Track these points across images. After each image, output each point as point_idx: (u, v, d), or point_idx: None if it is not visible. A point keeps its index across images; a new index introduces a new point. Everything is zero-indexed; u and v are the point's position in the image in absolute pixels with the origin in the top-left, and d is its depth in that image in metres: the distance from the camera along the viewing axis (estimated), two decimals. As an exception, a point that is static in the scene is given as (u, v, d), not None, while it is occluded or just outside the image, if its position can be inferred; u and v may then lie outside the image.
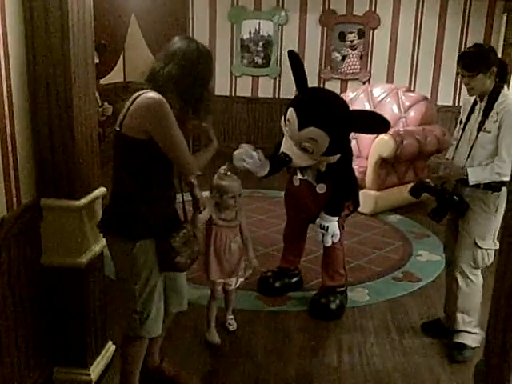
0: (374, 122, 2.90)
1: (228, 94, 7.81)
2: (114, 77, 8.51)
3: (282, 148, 3.03)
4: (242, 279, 3.03)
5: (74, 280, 2.38)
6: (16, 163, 2.14)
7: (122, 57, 8.88)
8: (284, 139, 3.06)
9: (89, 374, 2.49)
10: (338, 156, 3.00)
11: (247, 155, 2.97)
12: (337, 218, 3.14)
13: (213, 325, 2.95)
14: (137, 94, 2.02)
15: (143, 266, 2.11)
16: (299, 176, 3.21)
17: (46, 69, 2.17)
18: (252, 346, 2.91)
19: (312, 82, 7.32)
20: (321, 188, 3.14)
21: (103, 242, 2.38)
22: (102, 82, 7.81)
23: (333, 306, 3.23)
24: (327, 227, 3.11)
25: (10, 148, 2.08)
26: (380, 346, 2.93)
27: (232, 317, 3.12)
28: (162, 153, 2.02)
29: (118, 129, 2.04)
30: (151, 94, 1.99)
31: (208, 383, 2.58)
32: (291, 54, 3.06)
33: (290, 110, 2.96)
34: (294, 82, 3.09)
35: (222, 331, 3.00)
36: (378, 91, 5.78)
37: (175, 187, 2.26)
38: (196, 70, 2.06)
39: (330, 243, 3.17)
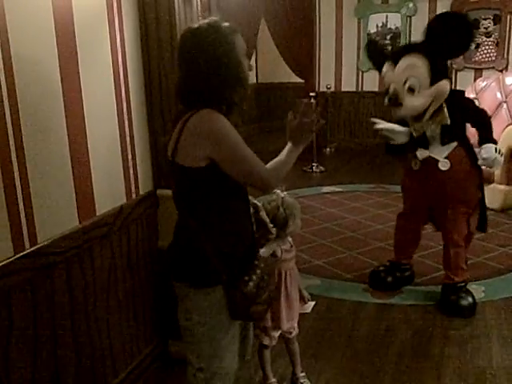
0: (458, 36, 2.86)
1: (355, 89, 7.81)
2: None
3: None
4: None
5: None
6: (134, 158, 2.46)
7: (254, 59, 9.31)
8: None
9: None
10: (447, 84, 2.95)
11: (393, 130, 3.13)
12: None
13: (272, 377, 2.48)
14: (186, 116, 1.66)
15: (205, 315, 1.75)
16: (420, 157, 3.11)
17: (160, 73, 2.46)
18: (353, 335, 2.97)
19: (443, 73, 7.06)
20: (444, 164, 3.03)
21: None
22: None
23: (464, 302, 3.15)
24: (495, 157, 3.00)
25: (128, 143, 2.41)
26: (488, 344, 2.82)
27: (304, 374, 2.51)
28: (226, 176, 1.67)
29: (170, 158, 1.72)
30: (202, 113, 1.63)
31: (306, 366, 2.70)
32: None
33: (385, 65, 3.10)
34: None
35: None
36: (511, 79, 5.40)
37: (250, 214, 1.86)
38: (209, 58, 1.62)
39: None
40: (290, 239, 2.34)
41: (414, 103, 2.96)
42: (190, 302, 1.77)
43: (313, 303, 2.45)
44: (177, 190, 1.79)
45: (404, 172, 3.39)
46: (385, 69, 3.11)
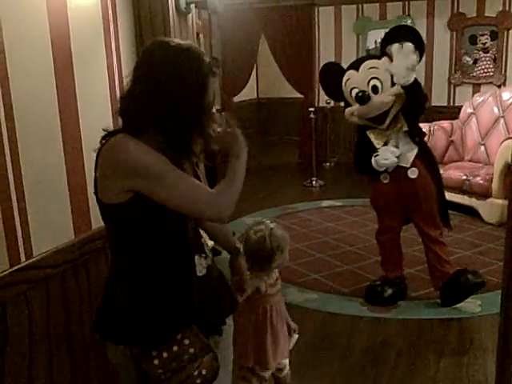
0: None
1: (354, 104, 7.86)
2: (248, 94, 9.05)
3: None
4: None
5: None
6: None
7: (255, 74, 9.40)
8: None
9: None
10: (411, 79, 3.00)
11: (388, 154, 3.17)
12: None
13: None
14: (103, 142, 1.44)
15: (124, 376, 1.56)
16: (389, 169, 3.24)
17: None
18: (349, 349, 2.97)
19: (441, 88, 7.16)
20: (413, 172, 3.22)
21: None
22: (235, 99, 8.37)
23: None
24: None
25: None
26: (484, 358, 2.82)
27: None
28: (152, 215, 1.43)
29: (94, 194, 1.49)
30: (113, 140, 1.41)
31: (301, 379, 2.71)
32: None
33: (346, 74, 3.24)
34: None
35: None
36: (508, 95, 5.44)
37: (191, 263, 1.52)
38: (172, 89, 1.36)
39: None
40: (276, 272, 2.18)
41: (382, 99, 3.10)
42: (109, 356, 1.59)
43: (296, 336, 2.30)
44: (106, 233, 1.56)
45: (372, 191, 3.47)
46: (346, 77, 3.24)
